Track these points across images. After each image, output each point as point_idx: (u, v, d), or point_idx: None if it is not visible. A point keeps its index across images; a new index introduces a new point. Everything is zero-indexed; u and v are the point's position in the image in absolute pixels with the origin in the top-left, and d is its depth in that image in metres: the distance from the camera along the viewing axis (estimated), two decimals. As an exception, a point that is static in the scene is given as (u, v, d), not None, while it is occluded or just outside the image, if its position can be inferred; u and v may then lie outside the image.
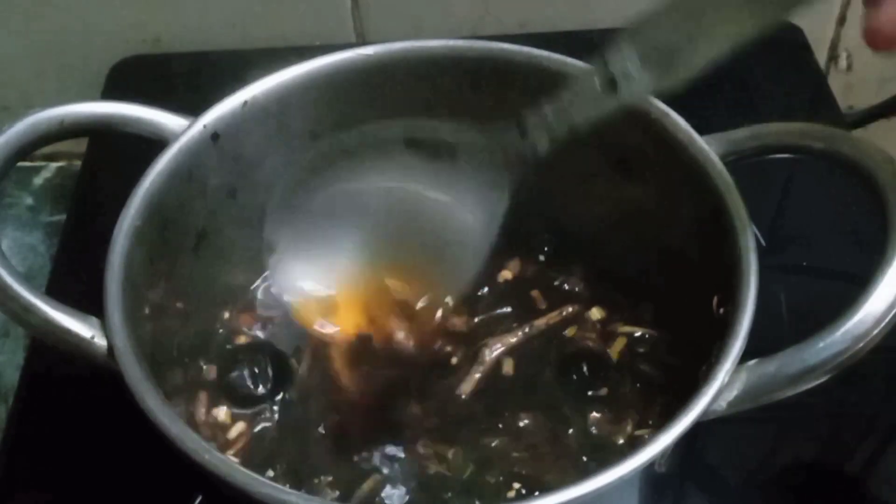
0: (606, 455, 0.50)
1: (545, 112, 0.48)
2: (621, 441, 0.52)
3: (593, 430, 0.52)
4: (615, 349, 0.56)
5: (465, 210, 0.51)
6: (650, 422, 0.52)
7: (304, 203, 0.52)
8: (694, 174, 0.51)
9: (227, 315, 0.58)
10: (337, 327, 0.52)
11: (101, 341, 0.46)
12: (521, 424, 0.53)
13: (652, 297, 0.57)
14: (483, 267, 0.51)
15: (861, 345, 0.43)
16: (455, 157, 0.51)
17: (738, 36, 0.43)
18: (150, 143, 0.52)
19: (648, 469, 0.41)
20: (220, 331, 0.57)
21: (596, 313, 0.58)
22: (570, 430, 0.52)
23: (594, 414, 0.53)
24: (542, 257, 0.60)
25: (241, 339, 0.57)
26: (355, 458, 0.51)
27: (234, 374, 0.54)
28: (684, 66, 0.45)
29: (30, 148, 0.50)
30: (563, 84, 0.48)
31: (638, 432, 0.52)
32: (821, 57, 0.79)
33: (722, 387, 0.43)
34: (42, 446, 0.57)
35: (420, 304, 0.52)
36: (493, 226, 0.50)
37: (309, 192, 0.52)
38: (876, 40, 0.41)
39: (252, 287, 0.59)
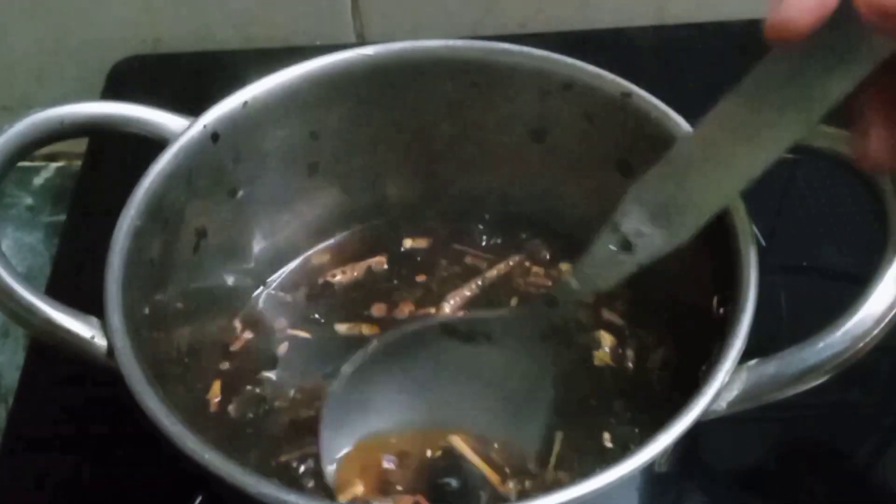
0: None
1: (570, 284, 0.49)
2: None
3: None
4: (604, 346, 0.56)
5: (506, 388, 0.52)
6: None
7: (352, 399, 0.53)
8: (694, 174, 0.50)
9: (226, 316, 0.58)
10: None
11: (101, 341, 0.46)
12: None
13: (652, 296, 0.57)
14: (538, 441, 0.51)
15: (861, 345, 0.43)
16: (491, 339, 0.53)
17: (741, 179, 0.43)
18: (150, 143, 0.52)
19: (648, 469, 0.41)
20: (220, 332, 0.57)
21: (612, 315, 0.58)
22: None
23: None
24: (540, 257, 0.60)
25: (238, 344, 0.57)
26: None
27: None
28: (693, 216, 0.45)
29: (30, 148, 0.50)
30: (582, 250, 0.48)
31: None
32: (821, 57, 0.79)
33: (722, 387, 0.43)
34: (42, 446, 0.57)
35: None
36: (536, 400, 0.52)
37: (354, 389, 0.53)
38: (863, 166, 0.42)
39: (254, 294, 0.59)
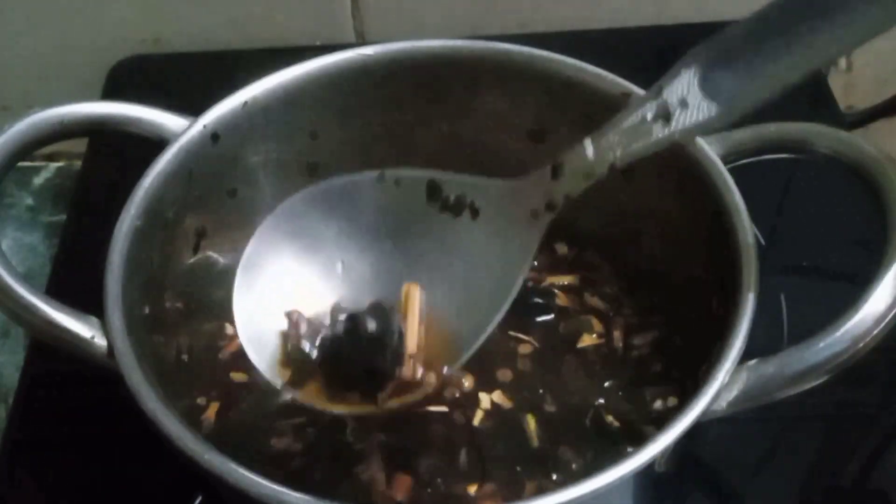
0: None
1: (584, 150, 0.46)
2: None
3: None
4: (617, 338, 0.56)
5: (482, 267, 0.50)
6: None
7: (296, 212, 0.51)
8: (694, 174, 0.51)
9: (225, 317, 0.58)
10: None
11: (101, 341, 0.46)
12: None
13: (652, 296, 0.57)
14: (494, 330, 0.49)
15: (861, 345, 0.43)
16: (477, 215, 0.50)
17: (814, 60, 0.41)
18: (150, 143, 0.52)
19: (648, 469, 0.41)
20: (218, 333, 0.57)
21: (598, 303, 0.58)
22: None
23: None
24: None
25: (234, 346, 0.57)
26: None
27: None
28: (750, 93, 0.42)
29: (30, 148, 0.50)
30: (607, 116, 0.46)
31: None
32: (821, 57, 0.79)
33: (722, 387, 0.43)
34: (42, 446, 0.57)
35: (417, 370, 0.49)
36: (511, 284, 0.49)
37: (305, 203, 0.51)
38: None
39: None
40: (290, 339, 0.50)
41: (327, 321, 0.51)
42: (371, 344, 0.48)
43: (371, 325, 0.48)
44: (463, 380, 0.54)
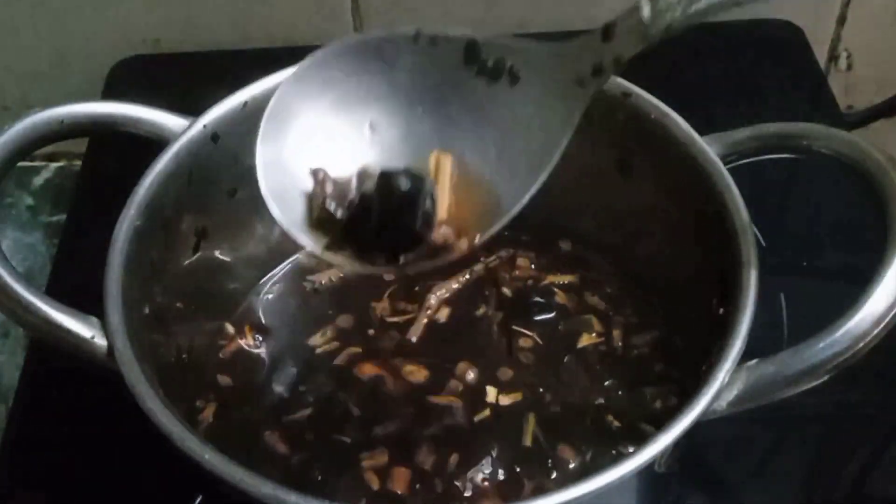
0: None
1: (641, 12, 0.42)
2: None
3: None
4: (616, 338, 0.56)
5: (519, 136, 0.47)
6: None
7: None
8: (694, 174, 0.51)
9: (224, 317, 0.58)
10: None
11: (101, 341, 0.46)
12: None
13: (652, 296, 0.57)
14: (526, 203, 0.46)
15: (861, 345, 0.43)
16: (517, 81, 0.47)
17: None
18: (150, 143, 0.52)
19: (648, 469, 0.41)
20: (217, 333, 0.57)
21: (598, 303, 0.58)
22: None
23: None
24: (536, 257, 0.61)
25: (233, 346, 0.57)
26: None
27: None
28: None
29: (30, 148, 0.50)
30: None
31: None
32: (821, 57, 0.79)
33: (722, 387, 0.43)
34: (42, 446, 0.57)
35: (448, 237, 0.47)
36: (549, 155, 0.45)
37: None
38: None
39: (251, 295, 0.59)
40: (314, 199, 0.48)
41: (354, 184, 0.48)
42: (402, 203, 0.46)
43: (404, 184, 0.46)
44: (468, 371, 0.55)
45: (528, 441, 0.52)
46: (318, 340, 0.57)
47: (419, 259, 0.47)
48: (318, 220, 0.47)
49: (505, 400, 0.54)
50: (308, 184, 0.48)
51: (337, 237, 0.47)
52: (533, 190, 0.46)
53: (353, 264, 0.47)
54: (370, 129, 0.49)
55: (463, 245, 0.47)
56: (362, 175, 0.48)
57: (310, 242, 0.47)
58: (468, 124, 0.48)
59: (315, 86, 0.48)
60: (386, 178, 0.46)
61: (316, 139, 0.49)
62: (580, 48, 0.45)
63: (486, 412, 0.54)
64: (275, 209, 0.47)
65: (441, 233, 0.47)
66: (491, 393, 0.54)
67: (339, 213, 0.47)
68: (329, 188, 0.48)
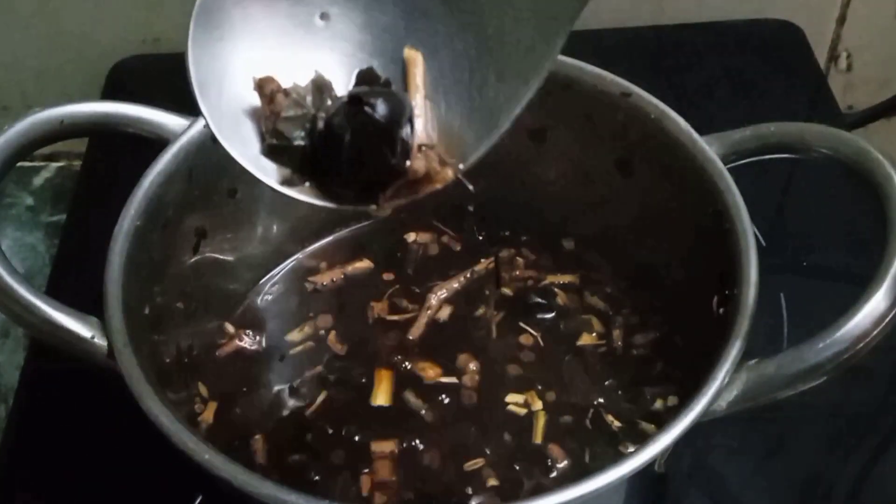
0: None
1: None
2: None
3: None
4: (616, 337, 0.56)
5: (509, 30, 0.40)
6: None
7: None
8: (694, 174, 0.51)
9: (224, 317, 0.58)
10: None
11: (101, 341, 0.46)
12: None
13: (652, 296, 0.57)
14: (506, 128, 0.40)
15: (861, 345, 0.43)
16: None
17: None
18: (150, 143, 0.52)
19: (648, 469, 0.41)
20: (217, 333, 0.57)
21: (598, 303, 0.58)
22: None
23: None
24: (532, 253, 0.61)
25: (233, 346, 0.57)
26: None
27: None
28: None
29: (30, 148, 0.50)
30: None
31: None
32: (821, 57, 0.80)
33: (722, 387, 0.43)
34: (42, 446, 0.57)
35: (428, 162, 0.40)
36: (547, 51, 0.39)
37: None
38: None
39: (250, 295, 0.59)
40: (265, 120, 0.41)
41: (310, 99, 0.41)
42: (378, 132, 0.39)
43: (380, 110, 0.39)
44: (469, 365, 0.55)
45: (538, 439, 0.52)
46: (301, 337, 0.57)
47: (397, 194, 0.41)
48: (273, 147, 0.41)
49: (504, 399, 0.54)
50: (255, 99, 0.41)
51: (297, 168, 0.41)
52: (524, 100, 0.40)
53: (318, 201, 0.41)
54: (323, 22, 0.42)
55: (448, 173, 0.40)
56: (320, 86, 0.41)
57: (264, 174, 0.41)
58: (442, 15, 0.41)
59: None
60: (358, 102, 0.39)
61: (258, 39, 0.41)
62: None
63: (486, 412, 0.54)
64: (219, 132, 0.40)
65: (422, 160, 0.40)
66: (491, 392, 0.54)
67: (296, 139, 0.40)
68: (281, 103, 0.40)
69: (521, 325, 0.57)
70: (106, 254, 0.48)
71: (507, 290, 0.59)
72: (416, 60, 0.41)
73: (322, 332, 0.58)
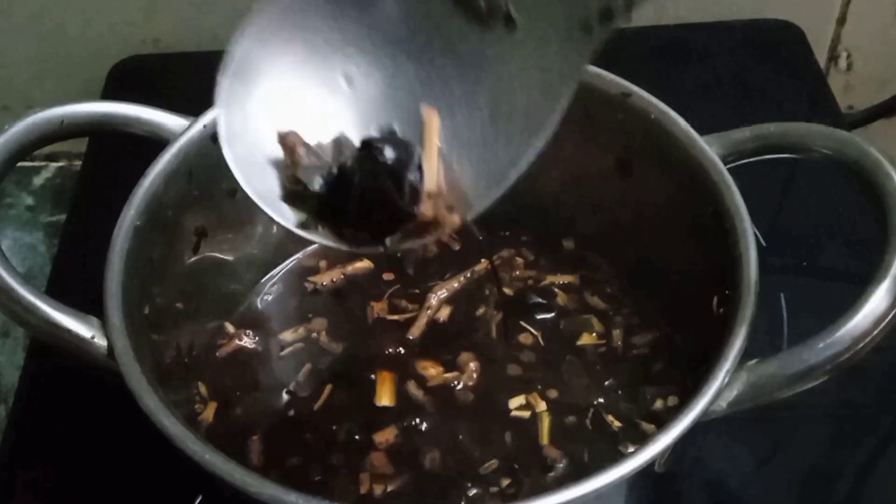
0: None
1: None
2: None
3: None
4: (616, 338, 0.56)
5: (515, 90, 0.42)
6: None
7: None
8: (694, 174, 0.51)
9: (223, 317, 0.58)
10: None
11: (101, 341, 0.46)
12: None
13: (652, 296, 0.57)
14: (528, 168, 0.42)
15: (861, 345, 0.43)
16: (513, 27, 0.41)
17: None
18: (150, 143, 0.52)
19: (648, 469, 0.41)
20: (216, 333, 0.57)
21: (598, 303, 0.58)
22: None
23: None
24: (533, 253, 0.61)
25: (233, 346, 0.57)
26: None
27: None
28: None
29: (30, 148, 0.50)
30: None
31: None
32: (821, 57, 0.80)
33: (722, 387, 0.43)
34: (42, 446, 0.57)
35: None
36: (552, 113, 0.41)
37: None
38: None
39: (250, 295, 0.59)
40: (286, 168, 0.43)
41: (331, 153, 0.43)
42: (387, 176, 0.41)
43: (388, 154, 0.41)
44: (470, 364, 0.55)
45: (544, 440, 0.52)
46: (301, 337, 0.58)
47: (406, 238, 0.43)
48: (292, 193, 0.43)
49: (505, 399, 0.54)
50: (278, 150, 0.43)
51: (313, 213, 0.43)
52: (532, 155, 0.41)
53: (332, 243, 0.43)
54: (346, 83, 0.44)
55: (455, 219, 0.42)
56: (340, 142, 0.44)
57: (283, 218, 0.43)
58: (457, 78, 0.43)
59: (281, 35, 0.43)
60: (368, 147, 0.42)
61: (285, 97, 0.44)
62: None
63: (486, 412, 0.54)
64: (242, 179, 0.43)
65: (430, 206, 0.42)
66: (491, 393, 0.54)
67: (314, 186, 0.43)
68: (301, 155, 0.43)
69: (524, 322, 0.57)
70: (106, 254, 0.48)
71: (506, 291, 0.59)
72: (433, 118, 0.43)
73: (322, 332, 0.58)
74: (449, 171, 0.43)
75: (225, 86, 0.43)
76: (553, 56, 0.41)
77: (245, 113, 0.43)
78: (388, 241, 0.43)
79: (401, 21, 0.44)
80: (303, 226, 0.43)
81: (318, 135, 0.44)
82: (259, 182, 0.43)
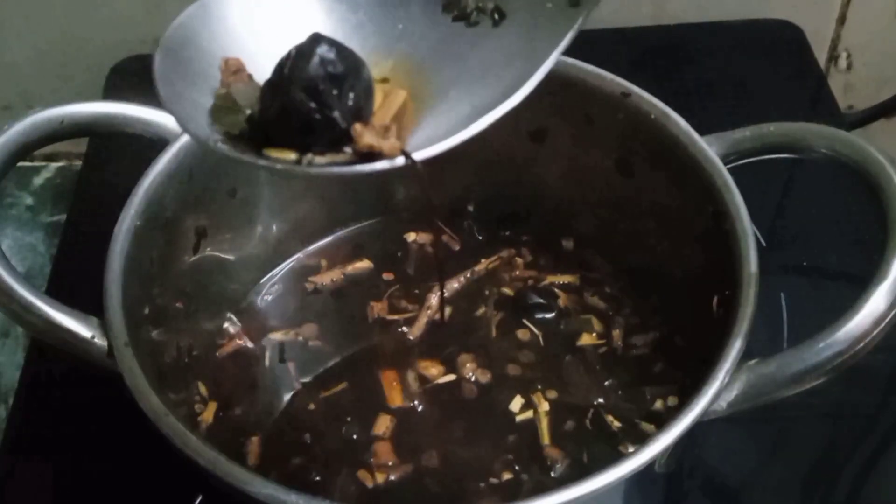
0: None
1: None
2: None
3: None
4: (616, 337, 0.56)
5: (499, 66, 0.41)
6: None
7: None
8: (694, 174, 0.51)
9: (223, 317, 0.58)
10: None
11: (101, 341, 0.46)
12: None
13: (652, 296, 0.57)
14: (489, 126, 0.39)
15: (861, 345, 0.43)
16: (502, 18, 0.41)
17: None
18: (150, 143, 0.52)
19: (648, 469, 0.41)
20: (216, 333, 0.57)
21: (598, 303, 0.58)
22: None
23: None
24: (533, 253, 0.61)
25: (233, 346, 0.57)
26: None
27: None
28: None
29: (30, 148, 0.50)
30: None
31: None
32: (821, 57, 0.80)
33: (722, 387, 0.43)
34: (42, 446, 0.57)
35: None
36: (533, 76, 0.40)
37: None
38: None
39: (250, 295, 0.59)
40: (219, 87, 0.41)
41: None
42: (324, 80, 0.37)
43: (327, 54, 0.37)
44: (470, 364, 0.55)
45: (545, 440, 0.52)
46: (301, 337, 0.58)
47: (333, 160, 0.38)
48: (217, 107, 0.40)
49: (504, 399, 0.54)
50: (214, 73, 0.41)
51: (238, 127, 0.40)
52: (498, 113, 0.39)
53: (251, 158, 0.39)
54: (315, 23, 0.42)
55: (394, 148, 0.38)
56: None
57: (200, 132, 0.40)
58: (449, 36, 0.42)
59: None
60: (306, 49, 0.37)
61: (239, 37, 0.42)
62: None
63: (486, 412, 0.54)
64: (162, 90, 0.41)
65: (370, 130, 0.38)
66: (491, 393, 0.54)
67: (245, 107, 0.39)
68: (241, 80, 0.40)
69: (524, 321, 0.57)
70: (106, 254, 0.48)
71: (506, 291, 0.59)
72: (398, 96, 0.41)
73: (322, 332, 0.58)
74: (411, 110, 0.41)
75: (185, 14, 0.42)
76: (540, 30, 0.41)
77: (192, 35, 0.42)
78: (309, 155, 0.38)
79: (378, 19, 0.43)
80: (224, 140, 0.39)
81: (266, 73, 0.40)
82: (183, 99, 0.41)
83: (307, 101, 0.37)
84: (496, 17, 0.42)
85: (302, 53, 0.37)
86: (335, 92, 0.37)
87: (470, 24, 0.42)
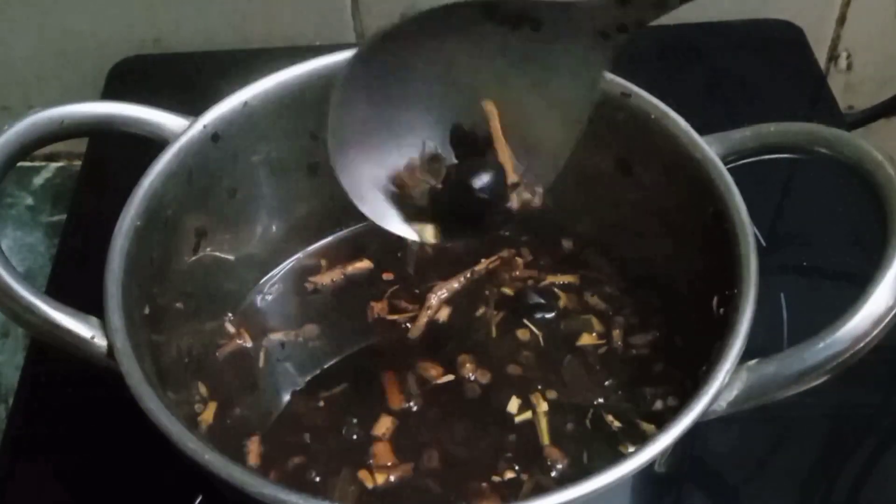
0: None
1: None
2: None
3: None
4: (616, 336, 0.56)
5: (552, 90, 0.49)
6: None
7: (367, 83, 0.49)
8: (694, 174, 0.51)
9: (223, 317, 0.58)
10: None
11: (101, 341, 0.46)
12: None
13: (652, 296, 0.57)
14: (569, 155, 0.50)
15: (861, 345, 0.43)
16: (540, 28, 0.47)
17: None
18: (150, 143, 0.52)
19: (648, 469, 0.41)
20: (217, 333, 0.57)
21: (598, 303, 0.58)
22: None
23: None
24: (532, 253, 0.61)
25: (233, 346, 0.57)
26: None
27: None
28: None
29: (30, 148, 0.50)
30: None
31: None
32: (821, 57, 0.80)
33: (722, 387, 0.43)
34: (42, 446, 0.57)
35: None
36: (584, 107, 0.48)
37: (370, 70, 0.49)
38: None
39: (250, 295, 0.59)
40: (403, 199, 0.50)
41: (427, 172, 0.51)
42: (480, 196, 0.49)
43: (477, 183, 0.48)
44: (470, 364, 0.55)
45: (545, 440, 0.52)
46: (301, 337, 0.58)
47: (500, 225, 0.51)
48: (409, 213, 0.50)
49: (504, 399, 0.54)
50: (383, 175, 0.50)
51: (423, 220, 0.50)
52: (577, 134, 0.49)
53: (441, 241, 0.50)
54: (418, 101, 0.50)
55: (537, 201, 0.50)
56: (425, 158, 0.51)
57: (409, 233, 0.50)
58: (500, 71, 0.49)
59: (365, 82, 0.49)
60: (460, 175, 0.49)
61: (377, 133, 0.50)
62: (600, 9, 0.47)
63: (486, 412, 0.54)
64: (367, 211, 0.49)
65: (517, 197, 0.49)
66: (491, 393, 0.54)
67: (423, 202, 0.50)
68: (411, 184, 0.50)
69: (524, 321, 0.57)
70: (106, 254, 0.48)
71: (506, 290, 0.59)
72: (491, 110, 0.50)
73: (322, 332, 0.58)
74: (517, 156, 0.50)
75: (331, 143, 0.49)
76: (577, 53, 0.47)
77: (349, 156, 0.49)
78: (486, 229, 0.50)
79: (444, 44, 0.49)
80: (421, 235, 0.51)
81: (406, 152, 0.50)
82: (373, 208, 0.50)
83: (476, 210, 0.49)
84: (532, 23, 0.48)
85: (459, 185, 0.49)
86: (493, 202, 0.49)
87: (513, 28, 0.48)
